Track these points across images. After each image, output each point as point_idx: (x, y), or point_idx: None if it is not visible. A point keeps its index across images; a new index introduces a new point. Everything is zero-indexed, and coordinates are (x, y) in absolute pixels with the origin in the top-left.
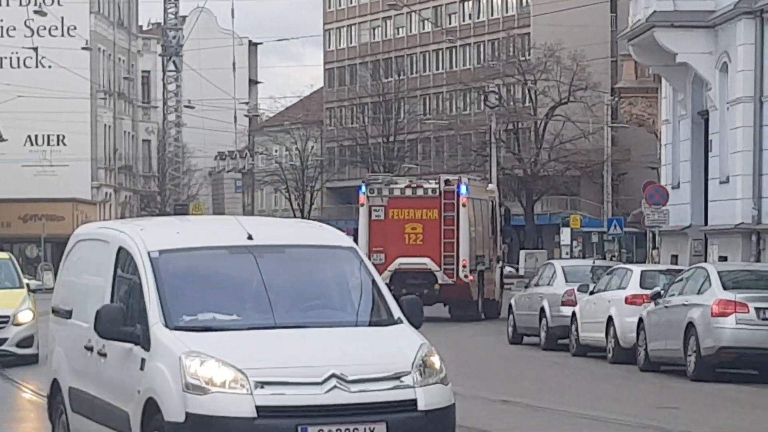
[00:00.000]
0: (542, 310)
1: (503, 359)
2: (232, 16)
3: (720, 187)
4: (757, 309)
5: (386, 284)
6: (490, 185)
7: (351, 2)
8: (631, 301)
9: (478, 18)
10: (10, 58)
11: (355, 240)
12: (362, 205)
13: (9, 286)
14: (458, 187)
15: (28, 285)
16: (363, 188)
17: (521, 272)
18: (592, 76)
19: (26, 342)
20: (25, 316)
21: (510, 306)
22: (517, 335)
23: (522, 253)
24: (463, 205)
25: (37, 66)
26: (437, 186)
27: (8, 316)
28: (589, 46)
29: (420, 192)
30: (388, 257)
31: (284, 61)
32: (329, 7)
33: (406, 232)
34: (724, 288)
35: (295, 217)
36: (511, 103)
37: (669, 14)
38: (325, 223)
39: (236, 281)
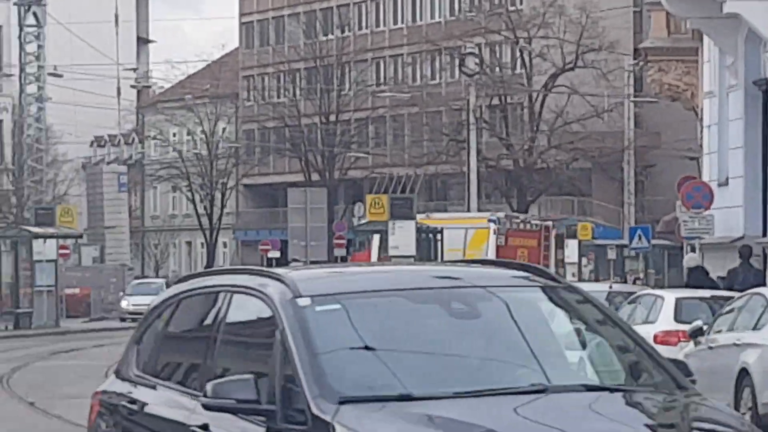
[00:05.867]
0: None
1: None
2: None
3: None
4: None
5: None
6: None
7: None
8: (662, 339)
9: None
10: None
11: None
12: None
13: None
14: (553, 224)
15: None
16: (493, 224)
17: None
18: (607, 33)
19: None
20: None
21: None
22: None
23: None
24: (555, 237)
25: None
26: (540, 223)
27: None
28: None
29: (528, 227)
30: None
31: (185, 12)
32: None
33: (518, 254)
34: None
35: (200, 225)
36: (497, 69)
37: None
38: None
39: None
